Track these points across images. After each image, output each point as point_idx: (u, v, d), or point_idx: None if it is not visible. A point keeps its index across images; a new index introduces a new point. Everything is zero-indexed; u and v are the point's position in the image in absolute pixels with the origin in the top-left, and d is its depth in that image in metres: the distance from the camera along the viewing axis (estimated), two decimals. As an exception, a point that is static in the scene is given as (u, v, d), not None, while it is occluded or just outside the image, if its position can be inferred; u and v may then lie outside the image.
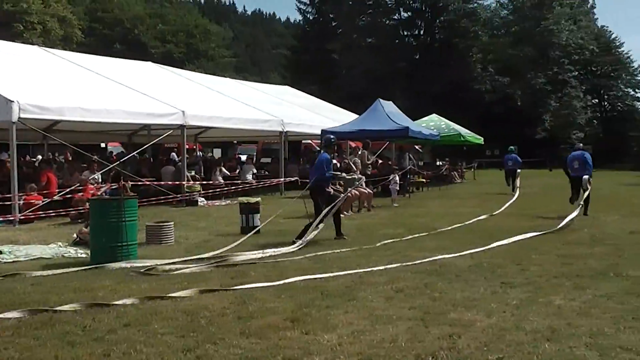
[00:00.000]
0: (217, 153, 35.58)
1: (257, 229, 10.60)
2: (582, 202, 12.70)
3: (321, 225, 9.56)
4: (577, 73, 56.53)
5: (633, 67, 60.27)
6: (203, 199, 16.72)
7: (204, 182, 17.60)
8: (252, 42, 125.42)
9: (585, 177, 12.94)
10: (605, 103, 62.50)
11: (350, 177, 10.53)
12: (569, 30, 53.53)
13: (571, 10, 55.64)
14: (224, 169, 19.65)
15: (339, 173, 10.09)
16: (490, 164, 46.93)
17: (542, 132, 50.76)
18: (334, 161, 10.63)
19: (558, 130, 52.11)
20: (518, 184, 19.88)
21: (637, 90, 60.57)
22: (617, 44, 60.43)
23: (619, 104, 61.26)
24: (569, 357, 4.28)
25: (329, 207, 9.73)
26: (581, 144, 16.28)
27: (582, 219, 12.40)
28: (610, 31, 64.41)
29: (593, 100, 59.33)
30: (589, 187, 12.88)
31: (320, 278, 6.84)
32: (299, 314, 5.40)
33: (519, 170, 21.33)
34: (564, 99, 52.62)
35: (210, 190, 16.88)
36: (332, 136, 10.74)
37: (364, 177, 11.33)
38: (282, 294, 6.16)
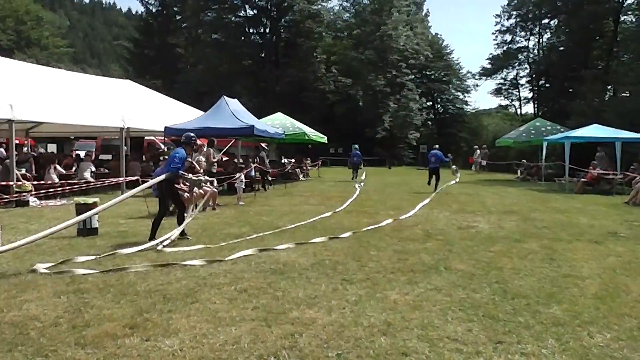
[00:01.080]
0: (52, 149, 33.36)
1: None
2: (456, 179, 21.92)
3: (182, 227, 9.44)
4: (413, 77, 59.76)
5: (462, 72, 65.04)
6: (35, 199, 15.61)
7: (36, 182, 16.44)
8: (91, 32, 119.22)
9: (454, 167, 22.13)
10: (438, 106, 66.79)
11: (197, 178, 10.18)
12: (406, 36, 56.38)
13: (408, 17, 58.64)
14: (59, 167, 18.51)
15: (186, 174, 9.70)
16: (334, 162, 48.51)
17: (382, 132, 53.08)
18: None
19: (397, 130, 54.81)
20: (363, 177, 27.39)
21: (465, 94, 65.39)
22: (448, 50, 64.90)
23: (450, 106, 65.68)
24: (402, 350, 4.54)
25: (186, 221, 9.57)
26: (437, 145, 23.10)
27: (417, 216, 13.24)
28: (443, 39, 69.13)
29: (428, 103, 63.08)
30: (457, 172, 22.29)
31: (162, 281, 6.68)
32: (138, 320, 5.23)
33: (361, 166, 29.48)
34: (401, 101, 55.39)
35: (44, 190, 15.80)
36: (192, 134, 10.21)
37: (205, 178, 10.98)
38: (120, 299, 5.92)
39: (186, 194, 12.94)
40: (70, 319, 5.29)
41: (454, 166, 19.90)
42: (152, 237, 9.22)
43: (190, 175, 9.56)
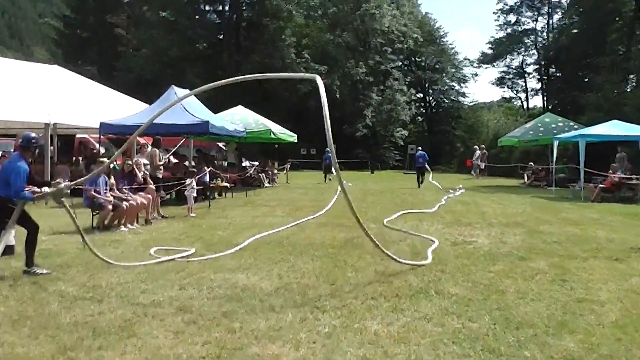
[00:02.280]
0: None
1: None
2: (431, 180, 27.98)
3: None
4: (400, 64, 60.02)
5: (458, 59, 65.41)
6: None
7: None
8: (11, 7, 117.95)
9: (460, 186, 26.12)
10: (430, 98, 67.20)
11: (53, 190, 9.00)
12: (392, 16, 56.62)
13: (394, -6, 59.02)
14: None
15: (40, 191, 8.74)
16: (306, 165, 48.38)
17: (364, 129, 53.21)
18: (117, 162, 9.82)
19: (381, 126, 54.95)
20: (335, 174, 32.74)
21: (462, 85, 65.77)
22: (442, 33, 65.39)
23: (444, 99, 66.12)
24: (383, 393, 4.47)
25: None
26: (420, 147, 31.52)
27: (403, 231, 13.23)
28: (435, 19, 69.66)
29: (417, 95, 63.35)
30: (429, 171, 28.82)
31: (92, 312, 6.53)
32: (61, 360, 5.10)
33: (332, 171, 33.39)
34: (386, 92, 55.59)
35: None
36: (33, 135, 8.98)
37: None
38: (39, 334, 5.76)
39: (124, 203, 12.79)
40: (-24, 359, 5.14)
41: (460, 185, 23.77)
42: (31, 264, 8.58)
43: (45, 189, 8.82)
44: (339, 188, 24.74)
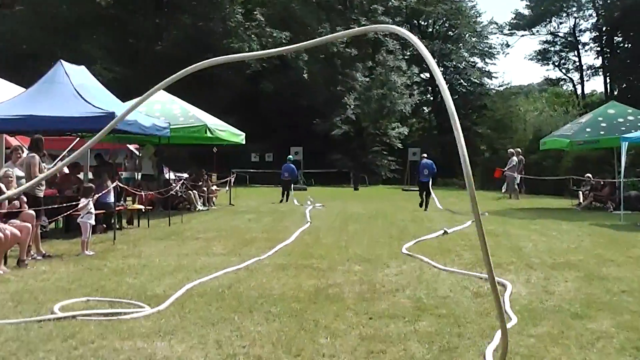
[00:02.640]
0: None
1: None
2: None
3: None
4: (397, 30, 60.15)
5: (481, 23, 65.61)
6: None
7: None
8: None
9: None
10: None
11: None
12: (385, -42, 57.01)
13: None
14: None
15: None
16: (259, 177, 48.21)
17: (343, 125, 53.06)
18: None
19: (369, 121, 54.94)
20: (293, 198, 34.61)
21: (487, 60, 65.92)
22: (457, -16, 65.75)
23: (461, 81, 66.21)
24: None
25: None
26: (425, 154, 32.74)
27: (401, 273, 13.19)
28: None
29: (422, 75, 63.47)
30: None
31: None
32: None
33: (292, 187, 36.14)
34: (377, 71, 55.65)
35: None
36: None
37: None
38: None
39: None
40: None
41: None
42: None
43: None
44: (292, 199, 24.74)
